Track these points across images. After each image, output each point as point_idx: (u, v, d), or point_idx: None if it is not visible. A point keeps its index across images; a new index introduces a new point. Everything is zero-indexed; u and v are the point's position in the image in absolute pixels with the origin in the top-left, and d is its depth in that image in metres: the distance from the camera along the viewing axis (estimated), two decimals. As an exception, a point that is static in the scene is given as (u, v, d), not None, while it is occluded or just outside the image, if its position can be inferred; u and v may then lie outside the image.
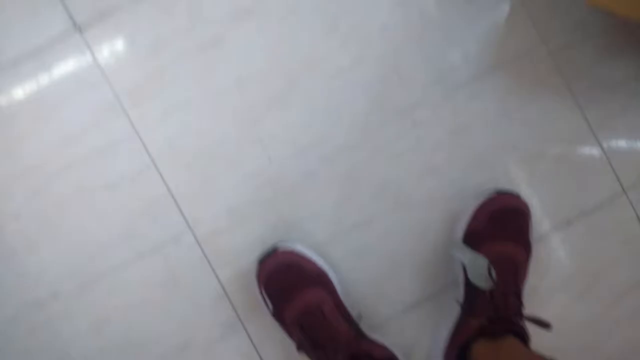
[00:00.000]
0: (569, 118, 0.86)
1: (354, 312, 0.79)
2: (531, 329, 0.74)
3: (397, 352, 0.77)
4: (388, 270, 0.85)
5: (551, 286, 0.87)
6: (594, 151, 0.87)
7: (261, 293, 0.78)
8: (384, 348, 0.74)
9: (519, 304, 0.74)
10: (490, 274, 0.74)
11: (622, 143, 0.87)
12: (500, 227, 0.79)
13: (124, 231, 0.83)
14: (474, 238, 0.80)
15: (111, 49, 0.82)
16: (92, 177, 0.82)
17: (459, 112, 0.85)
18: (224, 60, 0.82)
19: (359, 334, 0.74)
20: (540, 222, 0.86)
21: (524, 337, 0.72)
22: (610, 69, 0.86)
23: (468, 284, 0.77)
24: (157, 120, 0.81)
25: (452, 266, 0.84)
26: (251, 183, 0.83)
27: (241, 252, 0.83)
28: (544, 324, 0.70)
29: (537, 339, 0.76)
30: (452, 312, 0.82)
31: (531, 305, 0.80)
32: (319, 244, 0.84)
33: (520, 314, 0.73)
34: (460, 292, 0.80)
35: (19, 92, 0.81)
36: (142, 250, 0.83)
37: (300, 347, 0.73)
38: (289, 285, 0.76)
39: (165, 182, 0.82)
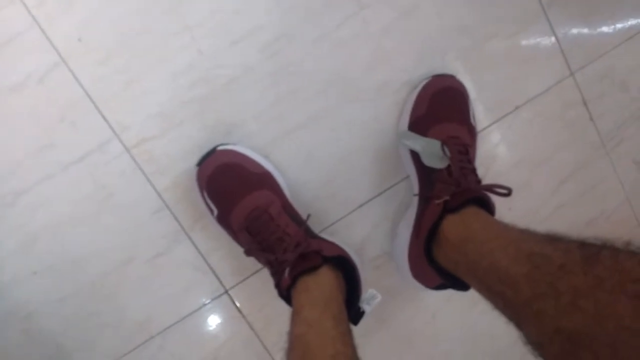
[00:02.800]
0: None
1: (303, 214, 0.70)
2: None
3: (349, 250, 0.68)
4: (337, 169, 0.75)
5: (498, 176, 0.79)
6: (544, 31, 0.76)
7: (203, 197, 0.69)
8: (334, 245, 0.67)
9: (478, 179, 0.68)
10: (444, 151, 0.68)
11: (572, 22, 0.77)
12: (441, 108, 0.73)
13: (40, 141, 0.66)
14: (419, 124, 0.73)
15: None
16: None
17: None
18: None
19: (309, 234, 0.67)
20: (489, 108, 0.77)
21: (489, 205, 0.65)
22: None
23: (423, 170, 0.71)
24: (61, 5, 0.63)
25: (403, 159, 0.74)
26: (182, 80, 0.68)
27: (177, 158, 0.70)
28: (504, 190, 0.63)
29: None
30: (409, 208, 0.73)
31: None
32: (262, 146, 0.72)
33: (480, 185, 0.67)
34: (414, 183, 0.71)
35: None
36: (64, 160, 0.68)
37: (248, 252, 0.63)
38: (233, 188, 0.67)
39: (79, 82, 0.66)
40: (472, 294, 0.82)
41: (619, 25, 0.81)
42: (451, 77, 0.75)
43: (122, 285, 0.74)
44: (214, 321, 0.77)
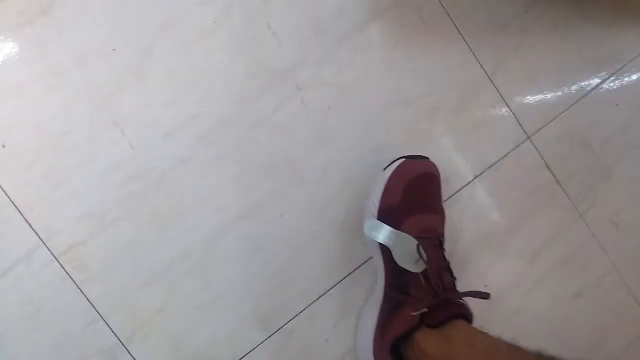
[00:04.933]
0: (463, 64, 0.71)
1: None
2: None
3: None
4: (289, 258, 0.66)
5: (466, 251, 0.69)
6: (493, 98, 0.71)
7: None
8: None
9: (453, 279, 0.61)
10: (419, 253, 0.59)
11: (520, 87, 0.71)
12: (418, 198, 0.64)
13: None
14: (391, 215, 0.63)
15: None
16: None
17: (344, 68, 0.67)
18: (57, 31, 0.58)
19: None
20: (447, 181, 0.68)
21: (469, 318, 0.59)
22: (499, 4, 0.70)
23: (393, 265, 0.62)
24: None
25: (368, 243, 0.64)
26: (113, 178, 0.62)
27: (110, 263, 0.61)
28: (483, 296, 0.58)
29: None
30: (374, 294, 0.63)
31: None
32: (205, 239, 0.62)
33: (456, 292, 0.60)
34: (380, 275, 0.64)
35: None
36: None
37: None
38: None
39: (3, 190, 0.58)
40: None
41: (566, 88, 0.75)
42: (425, 161, 0.67)
43: (52, 414, 0.61)
44: None
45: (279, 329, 0.68)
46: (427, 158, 0.67)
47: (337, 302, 0.69)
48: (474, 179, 0.73)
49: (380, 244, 0.62)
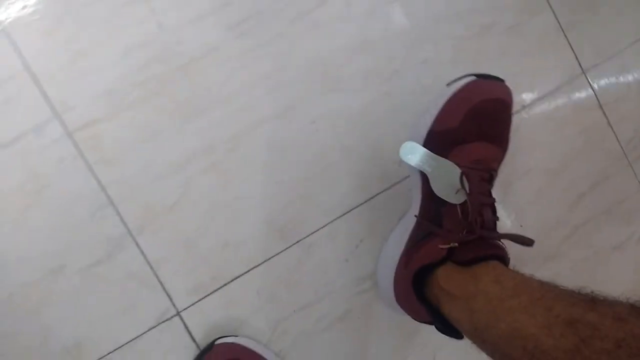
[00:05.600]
0: (522, -16, 0.63)
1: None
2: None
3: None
4: (317, 168, 0.61)
5: (507, 186, 0.63)
6: (550, 25, 0.64)
7: None
8: None
9: (495, 218, 0.53)
10: (462, 183, 0.52)
11: (580, 16, 0.64)
12: (481, 125, 0.54)
13: (-37, 119, 0.52)
14: (444, 138, 0.55)
15: None
16: None
17: (397, -29, 0.59)
18: None
19: None
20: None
21: (504, 261, 0.50)
22: None
23: (430, 194, 0.55)
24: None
25: (407, 166, 0.58)
26: (136, 56, 0.56)
27: (127, 147, 0.56)
28: (525, 241, 0.50)
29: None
30: (405, 217, 0.56)
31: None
32: (229, 137, 0.56)
33: (495, 232, 0.52)
34: (415, 200, 0.58)
35: None
36: None
37: None
38: None
39: (20, 53, 0.53)
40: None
41: (630, 23, 0.68)
42: (500, 84, 0.56)
43: (48, 300, 0.57)
44: (160, 350, 0.58)
45: (297, 242, 0.62)
46: (502, 80, 0.57)
47: (362, 222, 0.63)
48: (520, 109, 0.66)
49: (421, 173, 0.55)
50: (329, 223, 0.63)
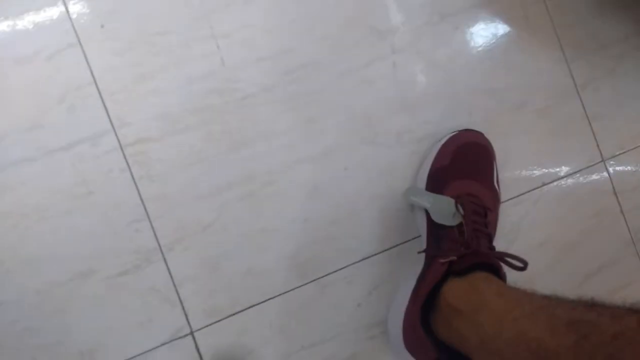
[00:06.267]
0: (555, 71, 0.68)
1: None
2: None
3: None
4: (343, 212, 0.63)
5: (520, 254, 0.65)
6: (577, 112, 0.68)
7: None
8: None
9: (491, 246, 0.57)
10: (457, 208, 0.57)
11: (606, 109, 0.69)
12: (465, 163, 0.63)
13: (30, 117, 0.56)
14: (438, 177, 0.63)
15: None
16: (1, 46, 0.55)
17: (440, 43, 0.65)
18: None
19: None
20: (515, 181, 0.65)
21: (500, 275, 0.53)
22: (603, 24, 0.68)
23: (432, 227, 0.60)
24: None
25: (415, 213, 0.61)
26: (196, 86, 0.59)
27: (172, 167, 0.58)
28: (518, 263, 0.52)
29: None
30: (413, 271, 0.59)
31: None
32: (267, 171, 0.59)
33: (492, 251, 0.56)
34: (424, 240, 0.58)
35: None
36: (50, 145, 0.56)
37: None
38: None
39: (90, 67, 0.56)
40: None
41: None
42: (479, 134, 0.66)
43: (72, 302, 0.58)
44: (168, 366, 0.59)
45: (314, 280, 0.64)
46: (481, 133, 0.65)
47: (379, 270, 0.65)
48: (541, 186, 0.70)
49: (425, 210, 0.60)
50: (347, 266, 0.65)
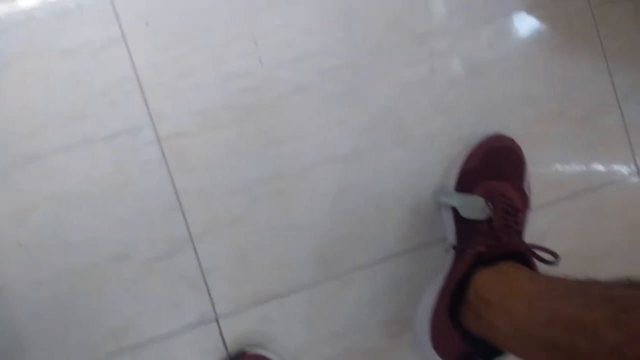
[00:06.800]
0: (596, 81, 0.66)
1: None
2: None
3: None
4: (370, 212, 0.63)
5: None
6: (615, 122, 0.66)
7: None
8: None
9: (522, 240, 0.56)
10: (487, 204, 0.56)
11: (645, 120, 0.65)
12: (496, 166, 0.62)
13: (74, 109, 0.58)
14: (467, 178, 0.62)
15: None
16: (48, 37, 0.56)
17: (481, 49, 0.63)
18: None
19: None
20: (547, 188, 0.64)
21: (530, 264, 0.51)
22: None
23: (461, 224, 0.59)
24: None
25: (442, 214, 0.60)
26: (233, 84, 0.60)
27: (207, 160, 0.59)
28: (549, 256, 0.50)
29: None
30: (440, 271, 0.59)
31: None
32: (299, 168, 0.59)
33: (524, 243, 0.55)
34: (451, 238, 0.57)
35: None
36: (91, 135, 0.59)
37: None
38: None
39: (133, 63, 0.58)
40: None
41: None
42: (510, 140, 0.65)
43: (107, 283, 0.60)
44: (193, 349, 0.61)
45: (339, 275, 0.64)
46: (512, 139, 0.64)
47: (402, 270, 0.66)
48: (572, 195, 0.68)
49: (453, 209, 0.59)
50: (372, 265, 0.65)
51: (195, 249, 0.62)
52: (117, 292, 0.61)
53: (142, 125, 0.61)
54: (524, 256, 0.51)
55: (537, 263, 0.52)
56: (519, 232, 0.56)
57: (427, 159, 0.65)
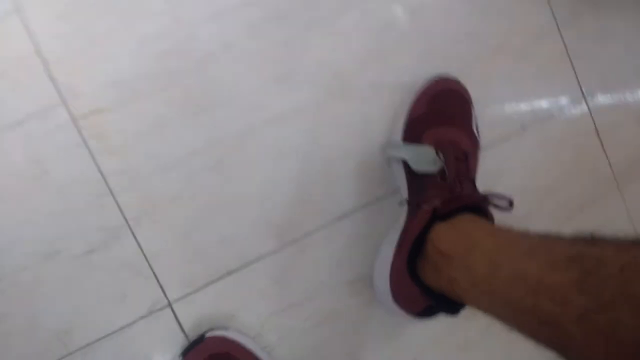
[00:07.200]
0: (534, 12, 0.62)
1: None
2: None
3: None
4: (316, 172, 0.59)
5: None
6: (557, 51, 0.63)
7: None
8: None
9: (475, 189, 0.54)
10: (438, 156, 0.54)
11: (589, 47, 0.64)
12: (442, 111, 0.59)
13: (-32, 97, 0.49)
14: (415, 126, 0.59)
15: None
16: None
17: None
18: None
19: None
20: (493, 127, 0.61)
21: (487, 215, 0.50)
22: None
23: (413, 177, 0.56)
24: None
25: (393, 167, 0.57)
26: (150, 48, 0.53)
27: (132, 138, 0.53)
28: (504, 202, 0.50)
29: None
30: (395, 225, 0.55)
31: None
32: (235, 134, 0.54)
33: (477, 193, 0.53)
34: (403, 193, 0.54)
35: None
36: None
37: None
38: None
39: (31, 36, 0.50)
40: (464, 336, 0.63)
41: (636, 62, 0.68)
42: (454, 81, 0.61)
43: (40, 285, 0.55)
44: (149, 339, 0.57)
45: (291, 242, 0.61)
46: (458, 80, 0.61)
47: (358, 227, 0.62)
48: (520, 130, 0.66)
49: (403, 162, 0.56)
50: (326, 226, 0.62)
51: (133, 234, 0.57)
52: (53, 292, 0.56)
53: (52, 106, 0.54)
54: (480, 207, 0.49)
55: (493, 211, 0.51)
56: (472, 180, 0.54)
57: (370, 110, 0.61)
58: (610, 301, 0.31)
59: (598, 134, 0.69)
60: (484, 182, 0.63)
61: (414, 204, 0.55)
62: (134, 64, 0.56)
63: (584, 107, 0.68)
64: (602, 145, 0.69)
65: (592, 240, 0.36)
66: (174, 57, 0.57)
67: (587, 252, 0.34)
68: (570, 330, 0.33)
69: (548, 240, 0.39)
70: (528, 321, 0.37)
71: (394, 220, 0.61)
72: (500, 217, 0.51)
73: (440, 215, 0.50)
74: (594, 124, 0.68)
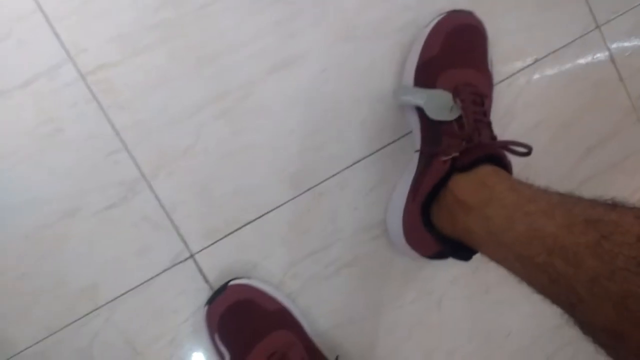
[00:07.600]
0: None
1: (331, 357, 0.55)
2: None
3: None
4: (326, 118, 0.58)
5: (517, 137, 0.60)
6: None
7: (213, 341, 0.54)
8: None
9: (493, 135, 0.52)
10: (455, 102, 0.51)
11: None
12: (457, 49, 0.56)
13: (-25, 59, 0.49)
14: (429, 68, 0.56)
15: None
16: None
17: None
18: None
19: None
20: (505, 61, 0.59)
21: (506, 166, 0.49)
22: None
23: (427, 124, 0.54)
24: None
25: (406, 111, 0.55)
26: (148, 0, 0.51)
27: (141, 91, 0.53)
28: (524, 149, 0.48)
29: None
30: (408, 168, 0.54)
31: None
32: (242, 84, 0.53)
33: (496, 141, 0.51)
34: (417, 139, 0.53)
35: None
36: (4, 85, 0.49)
37: None
38: (248, 329, 0.53)
39: None
40: (486, 279, 0.62)
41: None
42: (469, 14, 0.58)
43: (63, 242, 0.55)
44: (174, 292, 0.57)
45: (307, 190, 0.60)
46: (472, 12, 0.58)
47: (372, 172, 0.61)
48: (533, 62, 0.63)
49: (417, 108, 0.54)
50: (339, 172, 0.61)
51: (151, 187, 0.57)
52: (77, 249, 0.56)
53: (59, 63, 0.54)
54: (498, 155, 0.48)
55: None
56: (489, 125, 0.52)
57: (377, 50, 0.59)
58: (622, 268, 0.30)
59: (615, 64, 0.66)
60: (497, 119, 0.61)
61: (428, 154, 0.53)
62: (133, 17, 0.55)
63: (598, 35, 0.65)
64: (620, 75, 0.66)
65: (611, 205, 0.35)
66: (172, 7, 0.56)
67: (606, 216, 0.33)
68: (580, 292, 0.32)
69: (567, 201, 0.38)
70: (539, 277, 0.37)
71: (409, 162, 0.59)
72: (515, 158, 0.49)
73: (458, 167, 0.49)
74: (610, 53, 0.66)
